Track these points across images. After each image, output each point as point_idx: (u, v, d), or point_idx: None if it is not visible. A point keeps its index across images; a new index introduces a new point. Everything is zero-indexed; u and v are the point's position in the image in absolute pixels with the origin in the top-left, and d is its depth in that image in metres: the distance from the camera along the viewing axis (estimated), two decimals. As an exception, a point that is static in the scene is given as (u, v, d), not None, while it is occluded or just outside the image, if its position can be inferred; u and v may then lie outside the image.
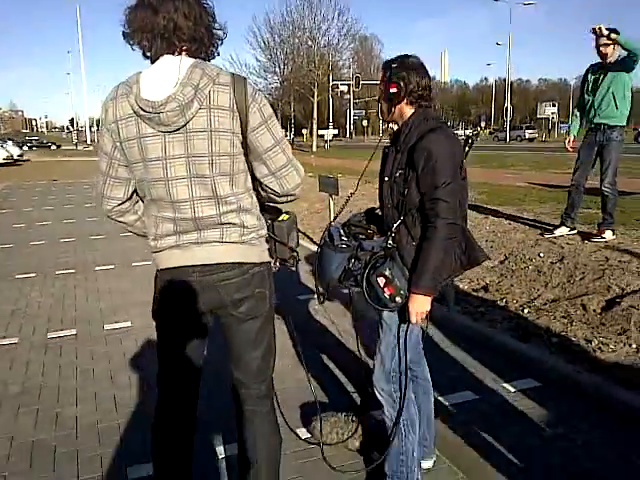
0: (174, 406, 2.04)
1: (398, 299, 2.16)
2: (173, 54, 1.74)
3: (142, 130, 1.71)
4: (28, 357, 4.10)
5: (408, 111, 2.25)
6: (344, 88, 51.00)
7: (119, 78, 1.78)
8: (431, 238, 2.08)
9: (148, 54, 1.76)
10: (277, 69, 45.84)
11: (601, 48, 5.76)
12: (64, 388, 3.58)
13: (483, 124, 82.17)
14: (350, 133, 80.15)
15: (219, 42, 1.85)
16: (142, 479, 2.57)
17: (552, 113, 59.75)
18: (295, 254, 2.07)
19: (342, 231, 2.40)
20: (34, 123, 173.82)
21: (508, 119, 56.24)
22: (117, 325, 4.71)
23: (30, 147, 55.99)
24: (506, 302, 4.68)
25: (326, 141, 47.76)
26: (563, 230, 6.37)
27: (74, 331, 4.61)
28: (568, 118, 53.29)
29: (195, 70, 1.69)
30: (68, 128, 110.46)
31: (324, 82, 43.91)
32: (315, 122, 44.41)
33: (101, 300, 5.46)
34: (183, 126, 1.69)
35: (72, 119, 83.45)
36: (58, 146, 57.16)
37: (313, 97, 43.28)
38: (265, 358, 2.03)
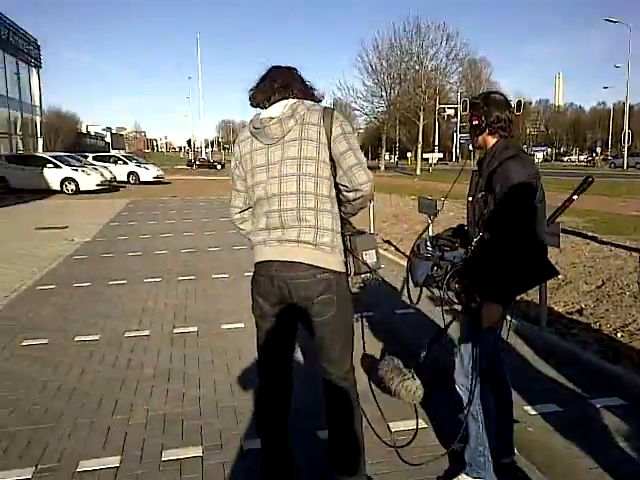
0: (270, 390, 2.50)
1: (472, 304, 2.48)
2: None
3: (254, 146, 2.29)
4: (158, 347, 4.76)
5: (491, 140, 2.60)
6: (451, 112, 50.81)
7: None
8: (505, 253, 2.39)
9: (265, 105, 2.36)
10: (383, 93, 46.65)
11: None
12: (189, 374, 4.16)
13: (598, 149, 77.99)
14: (456, 157, 79.11)
15: (320, 100, 2.44)
16: (254, 450, 3.03)
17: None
18: (372, 271, 2.39)
19: (429, 243, 2.77)
20: (155, 143, 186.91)
21: (626, 145, 53.14)
22: (232, 325, 5.29)
23: (198, 166, 61.31)
24: (599, 325, 4.75)
25: (430, 164, 47.61)
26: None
27: (195, 328, 5.24)
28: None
29: (296, 102, 2.27)
30: (185, 148, 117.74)
31: (430, 106, 44.04)
32: (420, 145, 44.49)
33: (218, 303, 6.11)
34: (282, 138, 2.23)
35: (189, 140, 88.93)
36: (223, 165, 61.48)
37: (419, 120, 43.50)
38: (341, 352, 2.39)
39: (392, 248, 9.12)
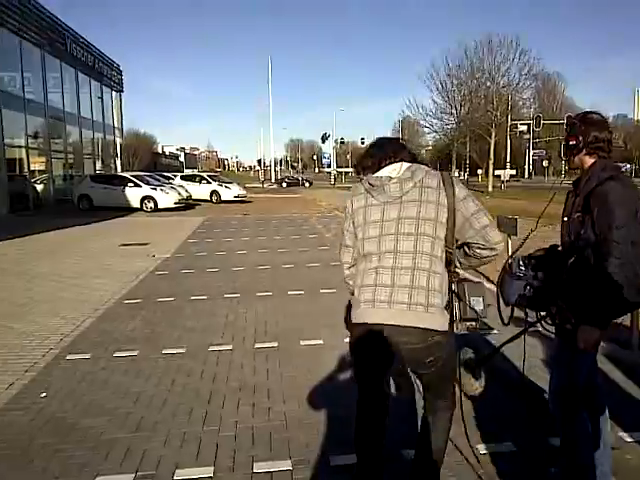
0: (369, 408, 2.54)
1: (567, 326, 2.43)
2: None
3: (368, 201, 2.37)
4: (242, 361, 4.90)
5: (588, 160, 2.56)
6: (524, 128, 49.63)
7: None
8: (603, 275, 2.34)
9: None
10: (453, 110, 46.14)
11: None
12: (272, 389, 4.26)
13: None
14: (529, 173, 77.00)
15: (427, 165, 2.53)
16: (342, 467, 3.07)
17: None
18: (479, 318, 2.42)
19: (522, 262, 2.74)
20: (226, 162, 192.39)
21: None
22: (311, 342, 5.37)
23: (288, 184, 63.35)
24: (698, 351, 4.50)
25: (502, 181, 46.54)
26: None
27: (276, 344, 5.36)
28: None
29: (413, 165, 2.37)
30: (255, 167, 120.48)
31: (502, 122, 43.17)
32: (492, 162, 43.63)
33: (295, 320, 6.22)
34: (399, 197, 2.29)
35: (260, 159, 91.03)
36: (310, 183, 63.23)
37: (490, 137, 42.72)
38: (446, 385, 2.51)
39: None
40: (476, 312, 2.39)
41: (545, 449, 3.17)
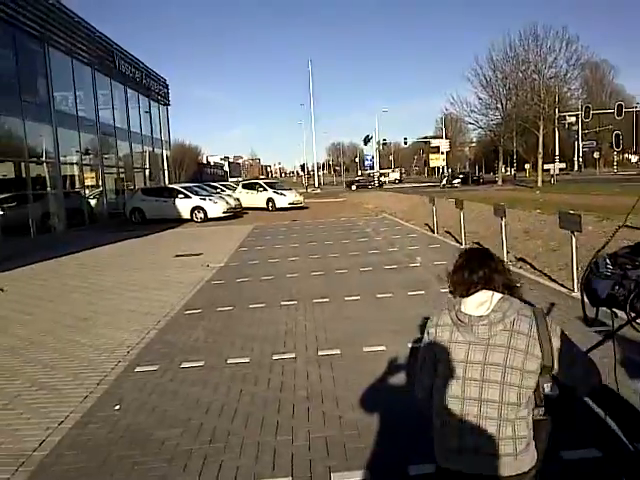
0: None
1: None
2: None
3: (454, 337, 2.23)
4: (306, 369, 4.89)
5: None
6: (572, 119, 48.23)
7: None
8: None
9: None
10: (499, 105, 45.30)
11: None
12: (340, 396, 4.24)
13: None
14: (579, 166, 74.71)
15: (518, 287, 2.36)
16: (421, 476, 3.01)
17: None
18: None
19: (608, 260, 2.61)
20: (269, 169, 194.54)
21: None
22: (374, 348, 5.31)
23: (358, 187, 63.62)
24: None
25: (552, 176, 45.32)
26: None
27: (338, 351, 5.34)
28: None
29: (504, 302, 2.20)
30: (298, 173, 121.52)
31: (550, 114, 42.04)
32: (540, 156, 42.55)
33: (355, 326, 6.18)
34: (486, 339, 2.16)
35: (303, 165, 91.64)
36: (381, 184, 62.84)
37: (538, 131, 41.68)
38: None
39: (527, 266, 8.75)
40: (547, 396, 2.27)
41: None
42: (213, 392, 4.48)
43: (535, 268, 8.50)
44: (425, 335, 2.32)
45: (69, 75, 22.43)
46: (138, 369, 5.16)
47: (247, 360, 5.21)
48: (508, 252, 9.17)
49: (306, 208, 28.70)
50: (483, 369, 2.14)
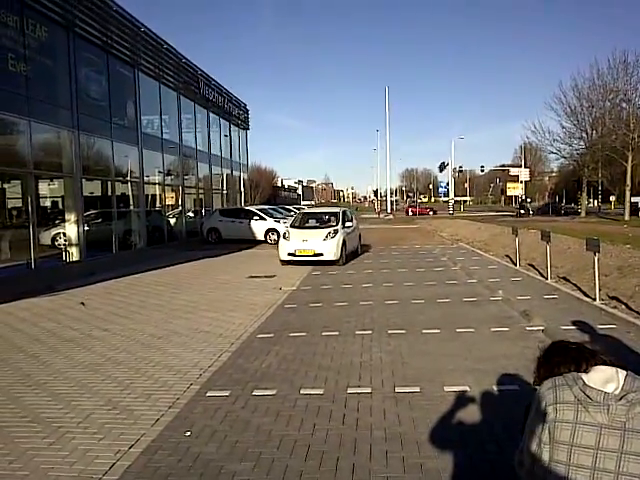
0: None
1: None
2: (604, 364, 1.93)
3: (580, 417, 1.85)
4: (383, 407, 4.61)
5: None
6: (663, 150, 45.65)
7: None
8: None
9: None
10: (584, 134, 43.57)
11: None
12: (421, 441, 3.92)
13: None
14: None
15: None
16: None
17: None
18: None
19: None
20: (341, 194, 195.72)
21: None
22: (456, 388, 4.96)
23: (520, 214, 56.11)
24: None
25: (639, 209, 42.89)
26: None
27: (417, 388, 5.02)
28: None
29: (633, 380, 1.84)
30: (370, 197, 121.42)
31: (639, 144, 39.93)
32: (628, 188, 40.36)
33: (435, 361, 5.83)
34: (623, 423, 1.79)
35: (376, 190, 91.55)
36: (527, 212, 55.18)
37: (626, 161, 39.63)
38: None
39: (622, 306, 8.08)
40: None
41: None
42: (286, 425, 4.28)
43: (631, 309, 7.83)
44: (533, 413, 1.95)
45: (156, 99, 23.39)
46: (210, 394, 5.05)
47: (321, 392, 4.99)
48: (600, 289, 8.53)
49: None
50: (620, 459, 1.77)
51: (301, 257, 14.73)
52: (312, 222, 16.50)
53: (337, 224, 15.67)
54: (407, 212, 70.21)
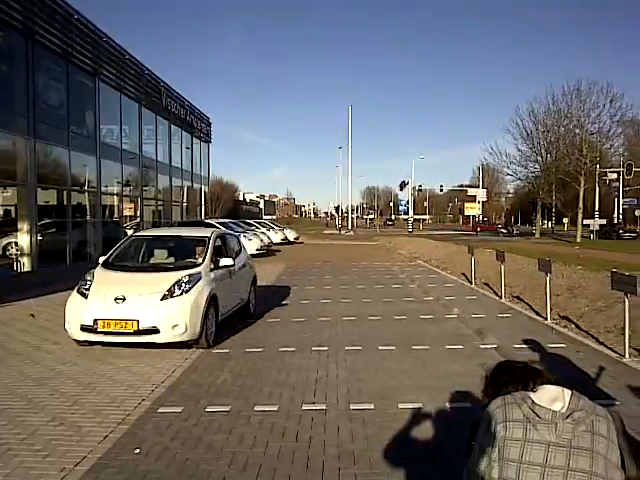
0: None
1: None
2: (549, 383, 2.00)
3: (528, 435, 1.90)
4: (337, 423, 4.61)
5: None
6: (613, 175, 47.52)
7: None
8: None
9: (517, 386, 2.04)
10: (539, 157, 44.97)
11: None
12: (375, 459, 3.93)
13: None
14: (618, 223, 73.01)
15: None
16: None
17: None
18: None
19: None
20: (303, 209, 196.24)
21: None
22: (409, 405, 4.99)
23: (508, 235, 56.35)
24: None
25: (592, 231, 44.40)
26: None
27: (372, 405, 5.03)
28: None
29: (578, 399, 1.92)
30: (332, 214, 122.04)
31: (591, 169, 41.46)
32: (580, 211, 41.76)
33: (390, 379, 5.86)
34: (568, 440, 1.86)
35: (337, 206, 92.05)
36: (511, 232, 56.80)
37: (578, 185, 41.06)
38: None
39: (572, 326, 8.31)
40: None
41: None
42: (238, 442, 4.22)
43: (580, 328, 8.05)
44: (483, 431, 1.98)
45: (117, 109, 23.05)
46: (161, 410, 4.95)
47: (275, 408, 4.96)
48: (551, 309, 8.76)
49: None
50: (566, 475, 1.83)
51: (110, 336, 6.88)
52: (155, 256, 8.82)
53: (202, 261, 7.88)
54: (475, 231, 62.71)
